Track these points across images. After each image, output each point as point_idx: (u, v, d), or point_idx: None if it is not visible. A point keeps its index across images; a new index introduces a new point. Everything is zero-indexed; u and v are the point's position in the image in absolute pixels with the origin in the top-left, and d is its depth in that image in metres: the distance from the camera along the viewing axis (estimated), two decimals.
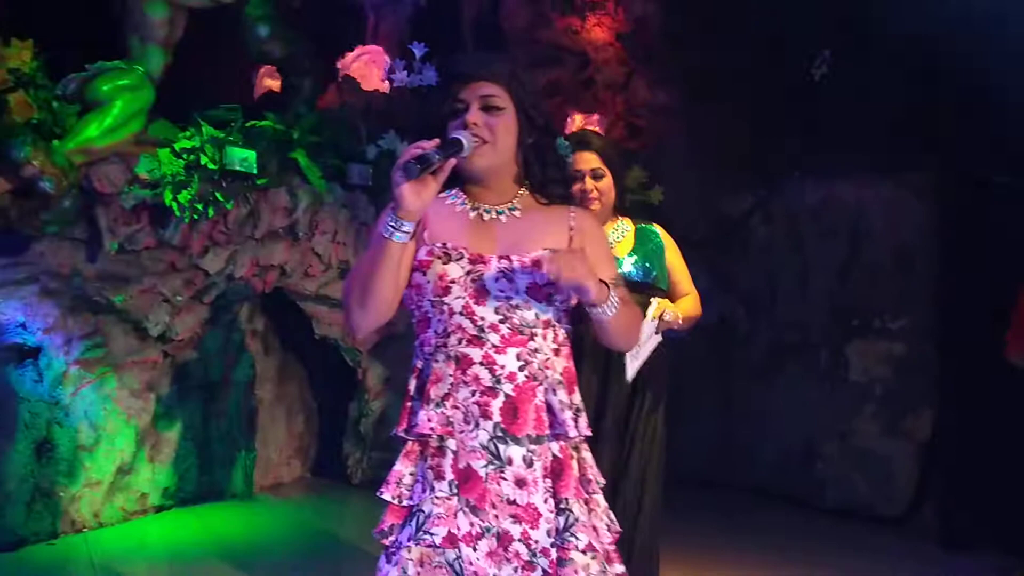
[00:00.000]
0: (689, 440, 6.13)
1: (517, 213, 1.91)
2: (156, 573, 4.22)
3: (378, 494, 1.83)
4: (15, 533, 4.24)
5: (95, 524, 4.56)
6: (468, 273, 1.83)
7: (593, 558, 1.81)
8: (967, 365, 4.74)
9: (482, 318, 1.82)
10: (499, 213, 1.91)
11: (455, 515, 1.78)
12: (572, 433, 1.85)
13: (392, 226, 1.76)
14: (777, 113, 5.66)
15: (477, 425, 1.81)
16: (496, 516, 1.79)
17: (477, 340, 1.82)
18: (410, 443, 1.84)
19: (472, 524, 1.79)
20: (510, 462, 1.80)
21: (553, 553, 1.79)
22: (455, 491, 1.79)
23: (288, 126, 4.96)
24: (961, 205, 4.92)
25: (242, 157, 4.58)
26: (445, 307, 1.83)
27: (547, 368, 1.86)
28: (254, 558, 4.32)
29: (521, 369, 1.83)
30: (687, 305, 3.17)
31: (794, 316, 5.75)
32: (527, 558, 1.79)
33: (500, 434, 1.81)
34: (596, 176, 3.10)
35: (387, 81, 5.23)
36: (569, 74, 6.68)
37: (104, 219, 4.40)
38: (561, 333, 1.91)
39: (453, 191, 1.92)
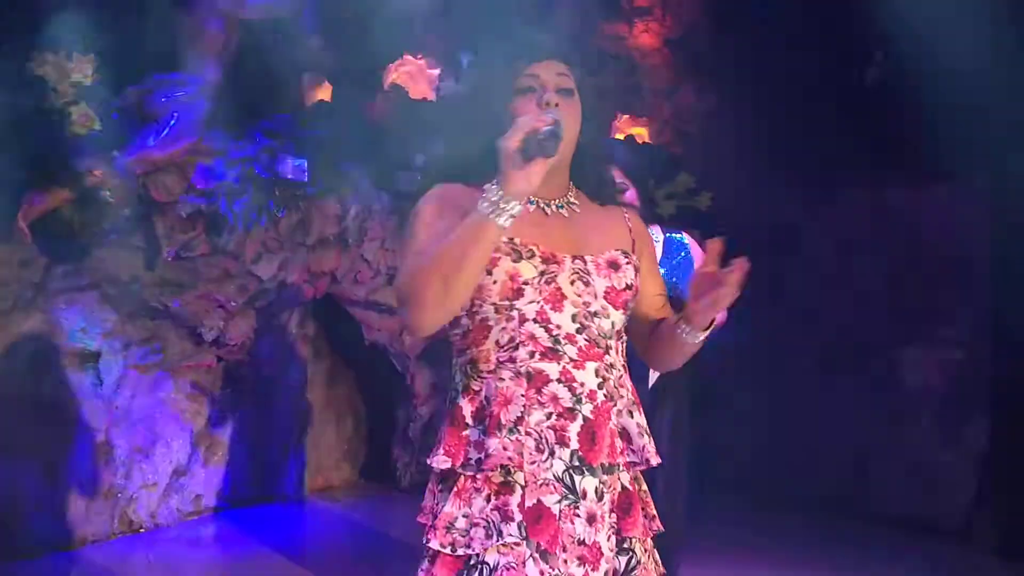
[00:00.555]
0: (741, 448, 6.09)
1: (577, 209, 1.67)
2: (210, 573, 4.30)
3: (425, 542, 1.54)
4: (74, 532, 4.36)
5: (151, 524, 4.67)
6: (542, 274, 1.56)
7: None
8: (1023, 373, 4.64)
9: (558, 327, 1.56)
10: (559, 207, 1.66)
11: (524, 564, 1.50)
12: (654, 461, 1.63)
13: (501, 206, 1.45)
14: (829, 117, 5.60)
15: (552, 453, 1.54)
16: (565, 560, 1.53)
17: (553, 353, 1.55)
18: (463, 479, 1.53)
19: (542, 573, 1.51)
20: (584, 496, 1.55)
21: None
22: (524, 534, 1.50)
23: (338, 135, 5.04)
24: (1016, 211, 4.81)
25: (294, 166, 4.67)
26: (515, 313, 1.55)
27: (621, 386, 1.63)
28: (305, 560, 4.39)
29: (600, 387, 1.58)
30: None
31: (847, 323, 5.67)
32: None
33: (577, 463, 1.55)
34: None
35: (435, 90, 5.29)
36: (617, 80, 6.68)
37: (161, 227, 4.51)
38: (623, 347, 1.67)
39: (495, 181, 1.53)
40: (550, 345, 1.55)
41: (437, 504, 1.56)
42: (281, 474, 5.37)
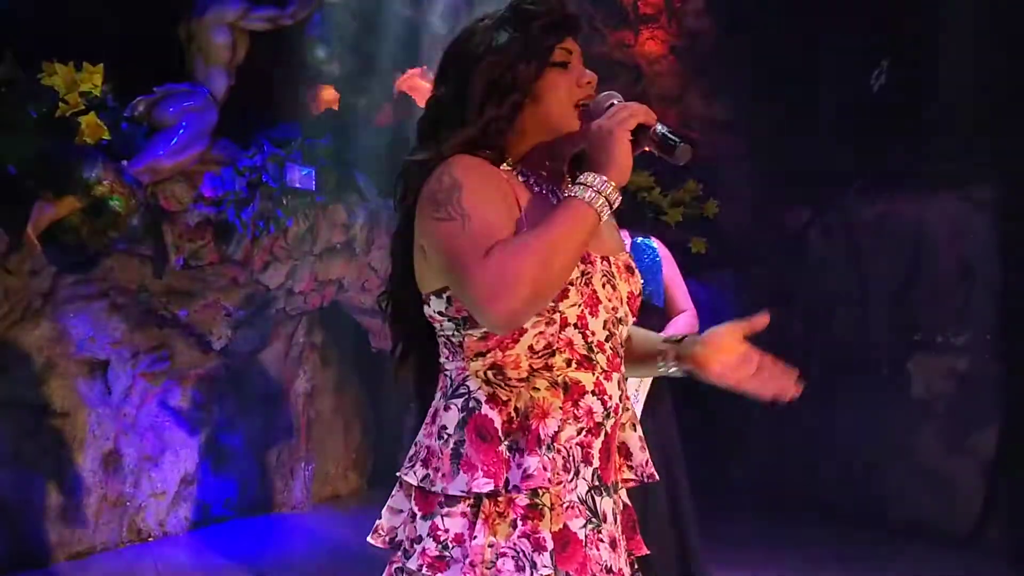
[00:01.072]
0: (749, 457, 6.08)
1: None
2: None
3: (437, 573, 1.37)
4: (83, 541, 4.36)
5: (160, 533, 4.68)
6: (583, 274, 1.42)
7: None
8: None
9: (592, 333, 1.43)
10: None
11: None
12: (659, 476, 1.56)
13: (606, 194, 1.35)
14: (836, 125, 5.60)
15: (577, 473, 1.42)
16: None
17: (588, 362, 1.43)
18: (487, 503, 1.37)
19: None
20: (604, 519, 1.44)
21: None
22: (554, 563, 1.36)
23: (346, 144, 5.06)
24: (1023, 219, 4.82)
25: (302, 174, 4.69)
26: (557, 316, 1.39)
27: (627, 398, 1.52)
28: (312, 568, 4.39)
29: (620, 400, 1.48)
30: (682, 327, 3.02)
31: (854, 331, 5.66)
32: None
33: (597, 483, 1.44)
34: None
35: None
36: (622, 87, 6.68)
37: (170, 236, 4.53)
38: None
39: (519, 168, 1.49)
40: (585, 353, 1.42)
41: (439, 529, 1.37)
42: (289, 483, 5.38)
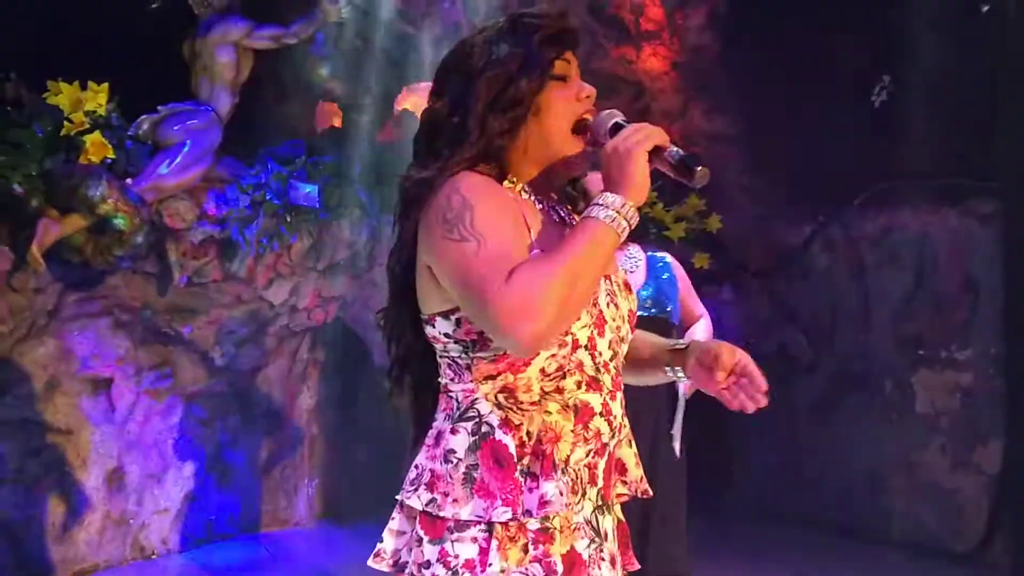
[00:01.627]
0: (752, 472, 6.06)
1: None
2: None
3: None
4: (87, 559, 4.36)
5: (163, 550, 4.67)
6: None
7: None
8: None
9: (600, 353, 1.43)
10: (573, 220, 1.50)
11: None
12: (651, 492, 1.58)
13: (624, 215, 1.34)
14: (838, 140, 5.61)
15: (584, 494, 1.42)
16: None
17: (596, 383, 1.42)
18: (501, 528, 1.35)
19: None
20: (606, 537, 1.46)
21: None
22: None
23: (349, 161, 5.08)
24: None
25: (305, 192, 4.71)
26: (569, 338, 1.38)
27: (626, 415, 1.52)
28: None
29: (623, 419, 1.49)
30: (701, 333, 3.00)
31: (857, 346, 5.66)
32: None
33: (600, 502, 1.46)
34: None
35: None
36: (624, 103, 6.71)
37: (174, 253, 4.55)
38: None
39: (522, 185, 1.49)
40: (594, 375, 1.42)
41: (447, 555, 1.35)
42: (292, 499, 5.37)
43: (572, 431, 1.39)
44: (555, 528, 1.37)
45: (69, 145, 4.18)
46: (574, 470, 1.40)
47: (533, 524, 1.36)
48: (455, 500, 1.36)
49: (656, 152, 1.40)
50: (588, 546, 1.40)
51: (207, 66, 4.83)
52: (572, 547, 1.38)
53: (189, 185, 4.57)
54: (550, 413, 1.39)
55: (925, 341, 5.32)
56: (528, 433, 1.38)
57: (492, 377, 1.39)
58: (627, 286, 1.53)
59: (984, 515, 4.98)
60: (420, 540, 1.38)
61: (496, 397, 1.39)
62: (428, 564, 1.36)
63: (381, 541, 1.46)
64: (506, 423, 1.38)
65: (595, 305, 1.42)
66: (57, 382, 4.31)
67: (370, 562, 1.47)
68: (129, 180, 4.35)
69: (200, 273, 4.64)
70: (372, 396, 5.98)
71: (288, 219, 4.69)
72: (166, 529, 4.69)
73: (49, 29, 4.44)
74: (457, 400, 1.42)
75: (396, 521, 1.46)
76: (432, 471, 1.40)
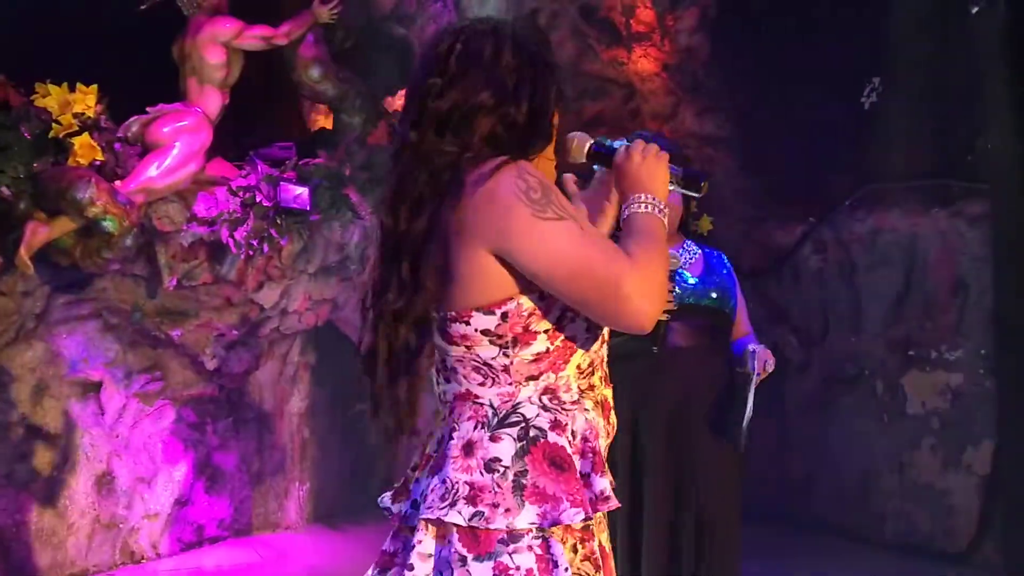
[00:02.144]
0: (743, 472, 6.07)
1: None
2: None
3: None
4: (76, 563, 4.33)
5: (153, 555, 4.65)
6: None
7: None
8: None
9: (606, 347, 1.50)
10: None
11: None
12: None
13: (663, 211, 1.45)
14: (827, 142, 5.62)
15: None
16: None
17: (608, 379, 1.49)
18: (557, 530, 1.35)
19: None
20: (605, 527, 1.50)
21: None
22: None
23: (340, 163, 5.07)
24: (1016, 233, 4.83)
25: (296, 194, 4.69)
26: (599, 332, 1.43)
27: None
28: None
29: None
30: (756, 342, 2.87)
31: (848, 348, 5.67)
32: None
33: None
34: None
35: None
36: (615, 105, 6.71)
37: (163, 256, 4.52)
38: None
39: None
40: (607, 370, 1.48)
41: (517, 568, 1.30)
42: (283, 503, 5.35)
43: (604, 428, 1.44)
44: (593, 525, 1.40)
45: (57, 147, 4.16)
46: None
47: (578, 523, 1.35)
48: (508, 510, 1.32)
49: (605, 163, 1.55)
50: (607, 537, 1.47)
51: (197, 67, 4.81)
52: (600, 539, 1.43)
53: (179, 187, 4.54)
54: (588, 410, 1.41)
55: (916, 342, 5.34)
56: (573, 432, 1.39)
57: (534, 378, 1.38)
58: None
59: (975, 516, 5.00)
60: (463, 559, 1.32)
61: (541, 399, 1.38)
62: None
63: (411, 568, 1.38)
64: (556, 425, 1.37)
65: None
66: (46, 385, 4.29)
67: None
68: (118, 182, 4.32)
69: (190, 276, 4.62)
70: (363, 399, 5.97)
71: (279, 221, 4.67)
72: (156, 533, 4.67)
73: (37, 30, 4.41)
74: (492, 406, 1.39)
75: (424, 544, 1.39)
76: (471, 483, 1.35)
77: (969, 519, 5.02)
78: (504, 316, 1.36)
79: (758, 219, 6.08)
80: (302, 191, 4.72)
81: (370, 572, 1.49)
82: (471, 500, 1.33)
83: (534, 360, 1.37)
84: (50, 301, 4.29)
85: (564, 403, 1.39)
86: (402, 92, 5.48)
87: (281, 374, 5.35)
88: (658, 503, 2.62)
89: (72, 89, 4.23)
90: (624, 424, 2.43)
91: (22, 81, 4.18)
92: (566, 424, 1.38)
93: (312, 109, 5.68)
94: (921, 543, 5.14)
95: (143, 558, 4.60)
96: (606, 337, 1.45)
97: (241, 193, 4.61)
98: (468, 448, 1.38)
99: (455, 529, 1.34)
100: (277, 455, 5.33)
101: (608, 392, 1.46)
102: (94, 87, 4.27)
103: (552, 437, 1.36)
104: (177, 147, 4.53)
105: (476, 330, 1.37)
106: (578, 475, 1.35)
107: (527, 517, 1.31)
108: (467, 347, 1.39)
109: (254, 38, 4.93)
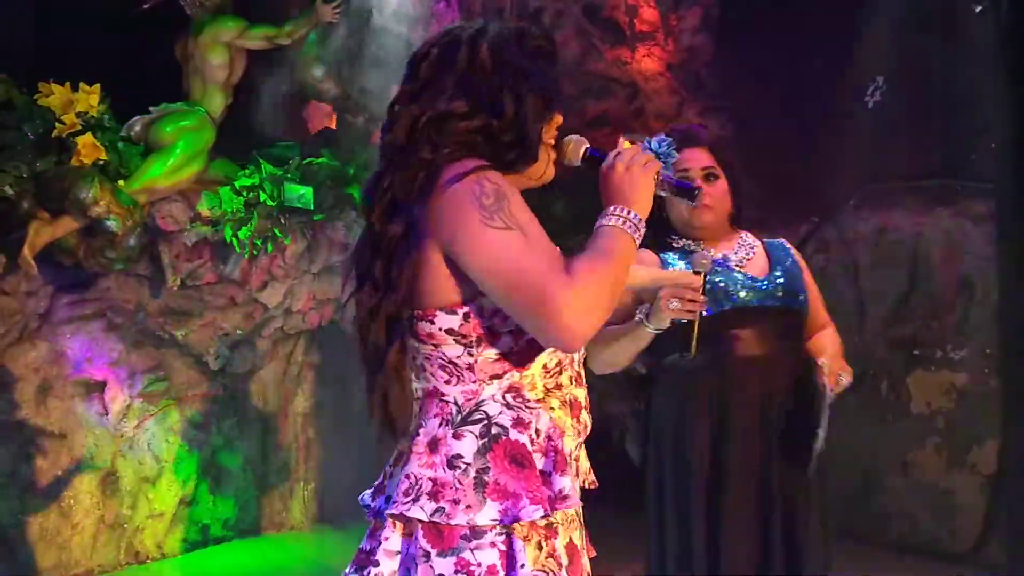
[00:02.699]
0: None
1: None
2: None
3: None
4: (80, 563, 4.33)
5: (158, 555, 4.65)
6: None
7: None
8: None
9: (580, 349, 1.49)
10: None
11: None
12: (596, 483, 1.60)
13: (639, 228, 1.43)
14: (831, 141, 5.61)
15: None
16: None
17: (580, 378, 1.50)
18: (519, 528, 1.36)
19: None
20: (584, 525, 1.51)
21: None
22: None
23: (343, 162, 5.06)
24: (1021, 232, 4.81)
25: (299, 193, 4.69)
26: None
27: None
28: None
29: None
30: (836, 345, 2.64)
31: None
32: None
33: (582, 494, 1.50)
34: (709, 177, 2.58)
35: None
36: (619, 105, 6.70)
37: (167, 255, 4.52)
38: None
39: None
40: (578, 369, 1.49)
41: (468, 564, 1.32)
42: (287, 503, 5.35)
43: (572, 426, 1.44)
44: (558, 523, 1.40)
45: (61, 147, 4.16)
46: (572, 464, 1.45)
47: (540, 521, 1.37)
48: (469, 506, 1.33)
49: (655, 177, 1.51)
50: (581, 535, 1.46)
51: (200, 67, 4.81)
52: (571, 538, 1.42)
53: (182, 187, 4.54)
54: (554, 409, 1.43)
55: (920, 342, 5.33)
56: (537, 431, 1.40)
57: (498, 376, 1.40)
58: None
59: (980, 515, 4.99)
60: (427, 555, 1.34)
61: (504, 397, 1.40)
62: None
63: (376, 565, 1.41)
64: (519, 423, 1.39)
65: None
66: (49, 385, 4.29)
67: None
68: (121, 182, 4.32)
69: (193, 275, 4.62)
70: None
71: (282, 221, 4.66)
72: (161, 533, 4.67)
73: (40, 30, 4.42)
74: (456, 404, 1.41)
75: (390, 541, 1.41)
76: (434, 479, 1.37)
77: (974, 519, 5.01)
78: (466, 316, 1.38)
79: (761, 218, 6.05)
80: (306, 191, 4.72)
81: (347, 571, 1.48)
82: (433, 496, 1.35)
83: (498, 359, 1.39)
84: (54, 301, 4.30)
85: (528, 401, 1.41)
86: None
87: (285, 374, 5.34)
88: (741, 516, 2.39)
89: (75, 88, 4.23)
90: (702, 440, 2.38)
91: (25, 80, 4.17)
92: (529, 422, 1.39)
93: (315, 109, 5.67)
94: (925, 543, 5.13)
95: (148, 558, 4.60)
96: None
97: (245, 193, 4.61)
98: (433, 444, 1.40)
99: (420, 525, 1.36)
100: (282, 455, 5.32)
101: (580, 392, 1.47)
102: (97, 86, 4.27)
103: (514, 435, 1.38)
104: (180, 147, 4.53)
105: (441, 329, 1.39)
106: (538, 473, 1.37)
107: (488, 514, 1.33)
108: (434, 345, 1.41)
109: (257, 38, 4.93)
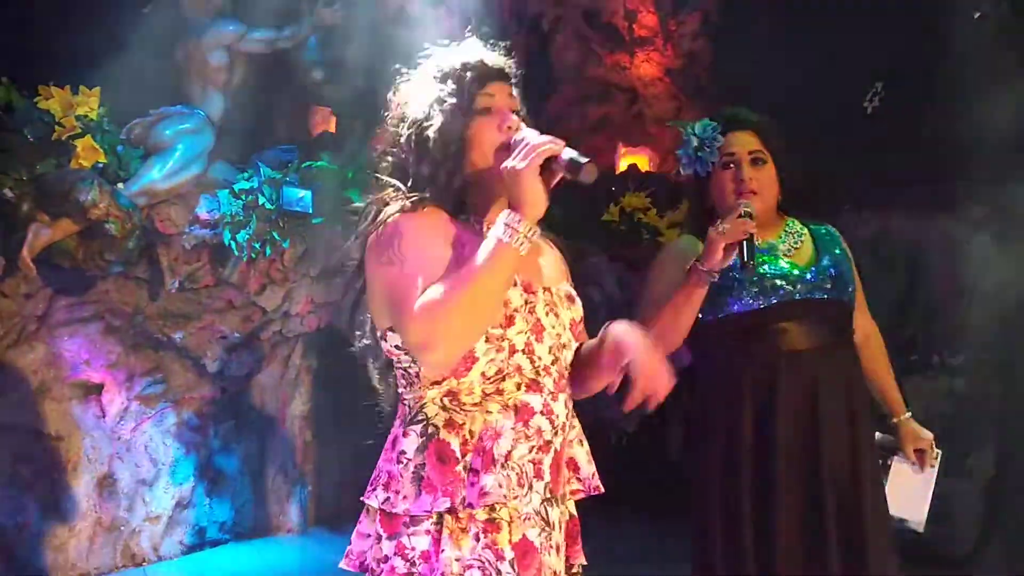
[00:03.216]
0: None
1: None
2: None
3: None
4: (77, 566, 4.33)
5: (155, 558, 4.64)
6: (526, 303, 1.54)
7: None
8: None
9: (539, 358, 1.55)
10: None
11: None
12: (601, 488, 1.67)
13: (521, 231, 1.44)
14: (830, 147, 5.62)
15: (531, 487, 1.54)
16: None
17: (536, 385, 1.54)
18: (449, 519, 1.49)
19: None
20: (553, 527, 1.57)
21: None
22: (515, 570, 1.49)
23: (343, 166, 5.07)
24: (1020, 238, 4.82)
25: (298, 197, 4.69)
26: (506, 343, 1.51)
27: (574, 416, 1.66)
28: None
29: (567, 419, 1.61)
30: (888, 370, 2.62)
31: None
32: None
33: (548, 495, 1.57)
34: (756, 162, 2.49)
35: None
36: (619, 109, 6.72)
37: (165, 258, 4.53)
38: None
39: (470, 214, 1.62)
40: (533, 377, 1.55)
41: (404, 548, 1.48)
42: (284, 506, 5.35)
43: (513, 429, 1.51)
44: (503, 519, 1.49)
45: (60, 149, 4.16)
46: (518, 465, 1.51)
47: (481, 515, 1.49)
48: (405, 497, 1.49)
49: (548, 164, 1.48)
50: (539, 534, 1.53)
51: (200, 70, 4.82)
52: (524, 536, 1.51)
53: (181, 190, 4.55)
54: (491, 413, 1.51)
55: (918, 346, 5.32)
56: (471, 432, 1.51)
57: (438, 383, 1.53)
58: (570, 298, 1.65)
59: (978, 520, 4.99)
60: (380, 537, 1.52)
61: (442, 400, 1.53)
62: (386, 559, 1.50)
63: (349, 544, 1.61)
64: (450, 424, 1.52)
65: (532, 313, 1.54)
66: (47, 388, 4.29)
67: (341, 563, 1.62)
68: (120, 185, 4.33)
69: (192, 278, 4.62)
70: (365, 402, 5.96)
71: (281, 224, 4.67)
72: (157, 536, 4.66)
73: (40, 33, 4.42)
74: (409, 406, 1.58)
75: (363, 523, 1.61)
76: (388, 472, 1.55)
77: (972, 524, 5.00)
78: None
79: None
80: (305, 194, 4.73)
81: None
82: (385, 486, 1.53)
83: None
84: (52, 303, 4.29)
85: (464, 404, 1.52)
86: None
87: (283, 377, 5.34)
88: (791, 513, 2.32)
89: (75, 91, 4.24)
90: (748, 436, 2.32)
91: (25, 83, 4.18)
92: (463, 424, 1.51)
93: (315, 112, 5.68)
94: (923, 548, 5.11)
95: (144, 560, 4.60)
96: (528, 349, 1.53)
97: (243, 196, 4.61)
98: (393, 442, 1.59)
99: (377, 511, 1.54)
100: (279, 458, 5.32)
101: (530, 398, 1.53)
102: (96, 89, 4.28)
103: (443, 434, 1.51)
104: (179, 150, 4.54)
105: (393, 346, 1.57)
106: (457, 469, 1.49)
107: (421, 504, 1.47)
108: (396, 358, 1.59)
109: (257, 41, 4.95)
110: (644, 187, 5.88)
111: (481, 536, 1.48)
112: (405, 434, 1.55)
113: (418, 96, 1.61)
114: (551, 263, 1.70)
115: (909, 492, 2.50)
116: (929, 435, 2.51)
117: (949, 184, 5.05)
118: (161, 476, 4.65)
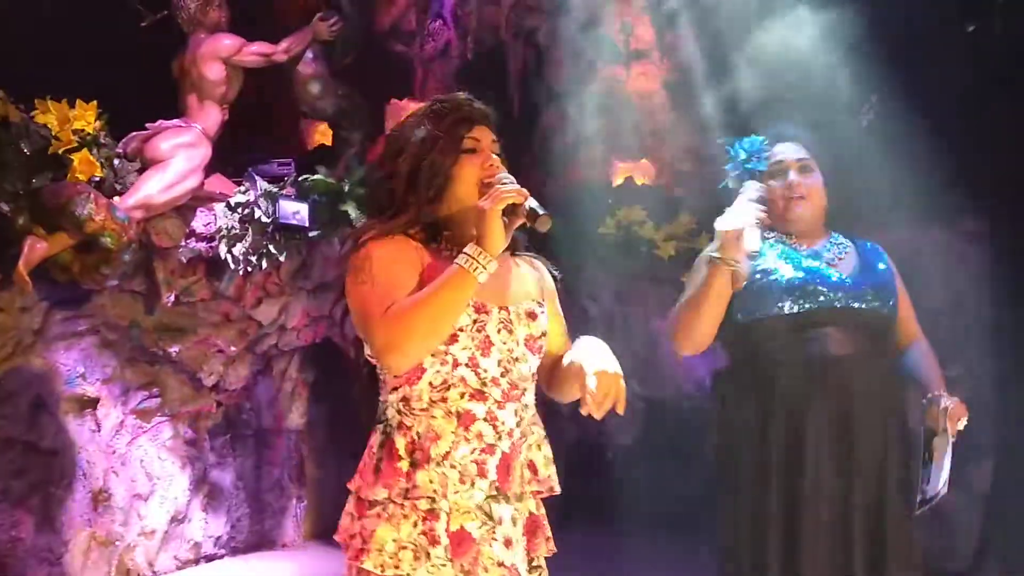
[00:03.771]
0: None
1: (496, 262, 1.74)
2: None
3: (354, 562, 1.73)
4: None
5: (150, 573, 4.62)
6: (474, 322, 1.75)
7: None
8: None
9: (485, 371, 1.75)
10: None
11: None
12: (557, 489, 1.85)
13: (481, 263, 1.67)
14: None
15: (473, 484, 1.73)
16: None
17: (480, 395, 1.75)
18: (392, 506, 1.72)
19: None
20: (500, 522, 1.75)
21: None
22: (449, 556, 1.70)
23: (339, 179, 5.07)
24: (1016, 250, 4.83)
25: (295, 210, 4.69)
26: (449, 358, 1.74)
27: (533, 423, 1.84)
28: None
29: (517, 425, 1.78)
30: (936, 368, 2.59)
31: None
32: None
33: (494, 493, 1.75)
34: (803, 170, 2.55)
35: None
36: (613, 124, 6.72)
37: (162, 272, 4.52)
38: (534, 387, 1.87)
39: (443, 244, 1.84)
40: (478, 387, 1.75)
41: (364, 527, 1.74)
42: (281, 520, 5.33)
43: (453, 432, 1.73)
44: (442, 510, 1.71)
45: (57, 163, 4.16)
46: (460, 464, 1.72)
47: (424, 505, 1.71)
48: (367, 485, 1.75)
49: (513, 209, 1.71)
50: (480, 527, 1.72)
51: (196, 83, 4.83)
52: (462, 526, 1.71)
53: (177, 203, 4.55)
54: (435, 418, 1.74)
55: None
56: (417, 433, 1.74)
57: (397, 389, 1.78)
58: (530, 315, 1.83)
59: (975, 534, 4.98)
60: (352, 517, 1.78)
61: (398, 404, 1.78)
62: (353, 535, 1.76)
63: (339, 522, 1.83)
64: (400, 426, 1.76)
65: (480, 331, 1.75)
66: (42, 402, 4.27)
67: (336, 535, 1.83)
68: (117, 198, 4.32)
69: (188, 292, 4.62)
70: (361, 415, 5.95)
71: (277, 237, 4.66)
72: (152, 551, 4.64)
73: (37, 47, 4.43)
74: (382, 408, 1.82)
75: (347, 505, 1.82)
76: (364, 463, 1.79)
77: (969, 538, 4.99)
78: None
79: None
80: (301, 207, 4.73)
81: None
82: (359, 474, 1.79)
83: (396, 375, 1.76)
84: (48, 317, 4.28)
85: (413, 409, 1.76)
86: (402, 108, 5.50)
87: (279, 391, 5.34)
88: (821, 516, 2.33)
89: (72, 105, 4.24)
90: (779, 440, 2.34)
91: (22, 97, 4.18)
92: (411, 426, 1.75)
93: (311, 125, 5.69)
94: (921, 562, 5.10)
95: (139, 575, 4.58)
96: (472, 363, 1.73)
97: (240, 209, 4.61)
98: (368, 438, 1.82)
99: (354, 495, 1.79)
100: (275, 472, 5.30)
101: (472, 405, 1.73)
102: (93, 103, 4.28)
103: (395, 434, 1.76)
104: (176, 163, 4.54)
105: (368, 355, 1.83)
106: (399, 465, 1.73)
107: (375, 492, 1.73)
108: (376, 365, 1.82)
109: (253, 55, 4.96)
110: (640, 200, 5.89)
111: (419, 523, 1.70)
112: (374, 431, 1.81)
113: (415, 133, 1.83)
114: (522, 283, 1.89)
115: (944, 462, 2.48)
116: (952, 400, 2.50)
117: (945, 197, 5.06)
118: (156, 490, 4.63)
